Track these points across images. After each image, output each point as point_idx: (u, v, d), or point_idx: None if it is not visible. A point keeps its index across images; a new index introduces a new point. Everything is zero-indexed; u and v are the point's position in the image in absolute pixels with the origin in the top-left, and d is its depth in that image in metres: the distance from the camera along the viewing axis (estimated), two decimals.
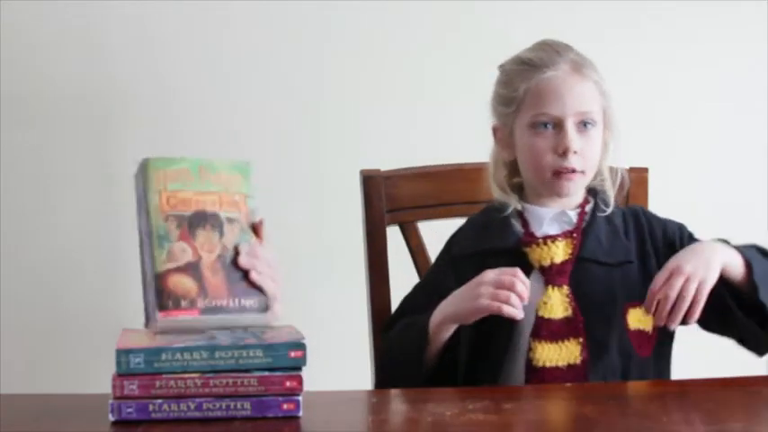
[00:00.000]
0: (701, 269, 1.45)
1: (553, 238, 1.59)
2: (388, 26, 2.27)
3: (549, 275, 1.57)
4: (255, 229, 1.33)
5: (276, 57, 2.26)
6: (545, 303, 1.55)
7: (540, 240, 1.59)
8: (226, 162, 1.35)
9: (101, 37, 2.23)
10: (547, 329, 1.54)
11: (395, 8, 2.26)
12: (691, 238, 1.65)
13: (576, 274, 1.57)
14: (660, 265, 1.54)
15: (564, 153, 1.57)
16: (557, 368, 1.53)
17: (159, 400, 1.19)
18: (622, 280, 1.58)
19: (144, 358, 1.19)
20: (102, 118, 2.25)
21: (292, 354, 1.21)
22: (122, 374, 1.19)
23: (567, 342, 1.54)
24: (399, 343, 1.58)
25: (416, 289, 1.68)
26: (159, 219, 1.29)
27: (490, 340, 1.55)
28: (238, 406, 1.20)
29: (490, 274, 1.49)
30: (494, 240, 1.62)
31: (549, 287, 1.56)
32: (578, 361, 1.53)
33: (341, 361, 1.98)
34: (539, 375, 1.52)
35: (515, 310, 1.46)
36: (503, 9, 2.26)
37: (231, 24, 2.25)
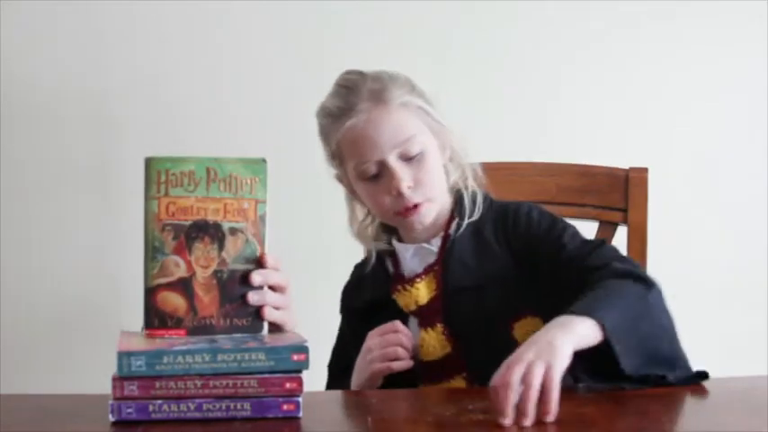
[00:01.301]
0: (545, 353, 1.20)
1: (412, 281, 1.55)
2: (389, 26, 2.27)
3: (421, 318, 1.54)
4: (260, 260, 1.28)
5: (276, 56, 2.26)
6: (421, 347, 1.53)
7: (401, 286, 1.55)
8: (237, 161, 1.28)
9: (101, 37, 2.24)
10: (429, 372, 1.52)
11: (395, 8, 2.26)
12: (555, 243, 1.49)
13: (448, 307, 1.52)
14: (527, 263, 1.48)
15: (398, 193, 1.51)
16: None
17: (159, 401, 1.19)
18: (498, 295, 1.50)
19: (145, 361, 1.18)
20: (102, 118, 2.25)
21: (295, 357, 1.21)
22: (123, 376, 1.19)
23: (452, 380, 1.51)
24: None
25: (336, 340, 1.69)
26: (155, 229, 1.27)
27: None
28: (238, 407, 1.20)
29: (374, 339, 1.49)
30: (369, 293, 1.61)
31: (422, 330, 1.53)
32: None
33: None
34: None
35: (404, 363, 1.46)
36: (503, 9, 2.27)
37: (231, 24, 2.25)
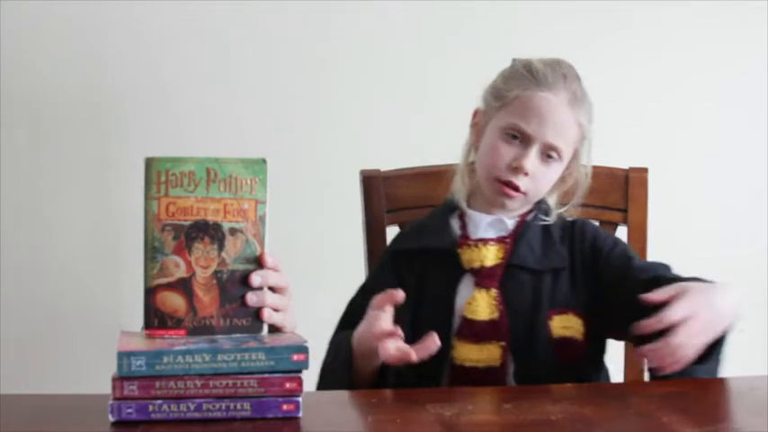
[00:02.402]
0: (710, 330, 1.38)
1: (485, 241, 1.61)
2: (389, 26, 2.27)
3: (479, 277, 1.59)
4: (260, 260, 1.29)
5: (276, 57, 2.26)
6: (470, 304, 1.57)
7: (472, 243, 1.61)
8: (238, 161, 1.28)
9: (101, 36, 2.23)
10: (470, 330, 1.56)
11: (395, 8, 2.26)
12: (625, 250, 1.63)
13: (506, 278, 1.59)
14: (585, 276, 1.59)
15: (516, 170, 1.58)
16: (475, 369, 1.54)
17: (159, 401, 1.19)
18: (552, 287, 1.59)
19: (145, 361, 1.18)
20: (101, 118, 2.25)
21: (295, 357, 1.21)
22: (123, 376, 1.19)
23: (488, 345, 1.55)
24: (330, 366, 1.54)
25: (359, 291, 1.68)
26: (155, 229, 1.27)
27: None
28: (238, 407, 1.20)
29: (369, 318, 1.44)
30: (431, 240, 1.64)
31: (476, 289, 1.58)
32: (498, 364, 1.54)
33: None
34: (457, 374, 1.54)
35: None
36: (503, 10, 2.27)
37: (231, 24, 2.25)
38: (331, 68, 2.27)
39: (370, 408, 1.35)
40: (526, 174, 1.58)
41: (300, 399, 1.21)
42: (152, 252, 1.26)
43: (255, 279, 1.29)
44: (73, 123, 2.24)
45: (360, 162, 1.86)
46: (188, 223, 1.27)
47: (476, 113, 1.68)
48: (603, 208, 1.81)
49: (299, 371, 1.21)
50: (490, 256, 1.60)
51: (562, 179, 1.65)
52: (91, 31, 2.23)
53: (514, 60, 1.66)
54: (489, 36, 2.24)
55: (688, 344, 1.33)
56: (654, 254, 1.79)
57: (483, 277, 1.59)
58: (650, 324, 1.33)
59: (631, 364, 1.80)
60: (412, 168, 1.85)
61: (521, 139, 1.58)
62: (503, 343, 1.55)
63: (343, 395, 1.39)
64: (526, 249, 1.61)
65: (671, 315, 1.32)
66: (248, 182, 1.28)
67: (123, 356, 1.19)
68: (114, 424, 1.19)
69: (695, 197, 2.31)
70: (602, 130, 2.28)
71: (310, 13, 2.25)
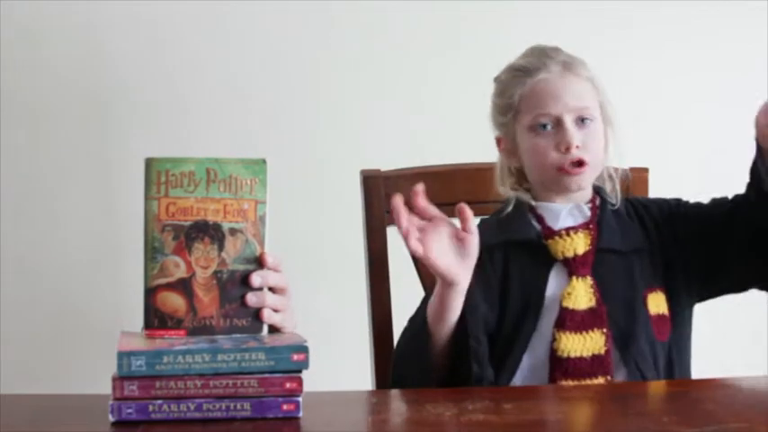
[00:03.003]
0: None
1: (574, 229, 1.61)
2: (389, 26, 2.27)
3: (573, 266, 1.59)
4: (260, 259, 1.29)
5: (276, 56, 2.26)
6: (569, 294, 1.58)
7: (562, 232, 1.61)
8: (238, 161, 1.28)
9: (101, 36, 2.24)
10: (571, 320, 1.56)
11: (395, 8, 2.26)
12: (687, 205, 1.68)
13: (597, 264, 1.60)
14: (666, 245, 1.62)
15: (567, 149, 1.59)
16: (581, 358, 1.54)
17: (159, 401, 1.19)
18: (639, 265, 1.61)
19: (145, 361, 1.19)
20: (101, 118, 2.25)
21: (295, 357, 1.21)
22: (123, 376, 1.19)
23: (591, 332, 1.56)
24: (405, 345, 1.57)
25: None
26: (155, 229, 1.27)
27: (514, 331, 1.56)
28: (238, 407, 1.20)
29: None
30: (516, 233, 1.64)
31: (574, 278, 1.58)
32: (602, 351, 1.55)
33: (341, 361, 1.98)
34: (563, 366, 1.54)
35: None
36: (503, 10, 2.27)
37: (231, 24, 2.25)
38: (331, 68, 2.27)
39: (370, 408, 1.35)
40: (577, 146, 1.59)
41: (300, 399, 1.21)
42: (152, 252, 1.26)
43: (255, 279, 1.29)
44: (73, 123, 2.24)
45: (360, 162, 1.86)
46: (188, 223, 1.27)
47: (499, 141, 1.69)
48: None
49: (300, 371, 1.21)
50: (580, 243, 1.60)
51: (606, 140, 1.65)
52: (91, 31, 2.23)
53: (496, 77, 1.68)
54: (489, 36, 2.24)
55: None
56: None
57: (577, 266, 1.59)
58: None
59: None
60: (412, 168, 1.85)
61: (551, 124, 1.60)
62: (605, 329, 1.56)
63: (343, 395, 1.39)
64: (610, 232, 1.62)
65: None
66: (248, 182, 1.28)
67: (123, 356, 1.19)
68: (114, 424, 1.19)
69: (695, 197, 2.31)
70: None
71: (310, 13, 2.25)
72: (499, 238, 1.63)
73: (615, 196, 1.67)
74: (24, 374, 2.22)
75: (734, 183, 2.33)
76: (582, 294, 1.58)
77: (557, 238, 1.61)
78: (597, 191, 1.68)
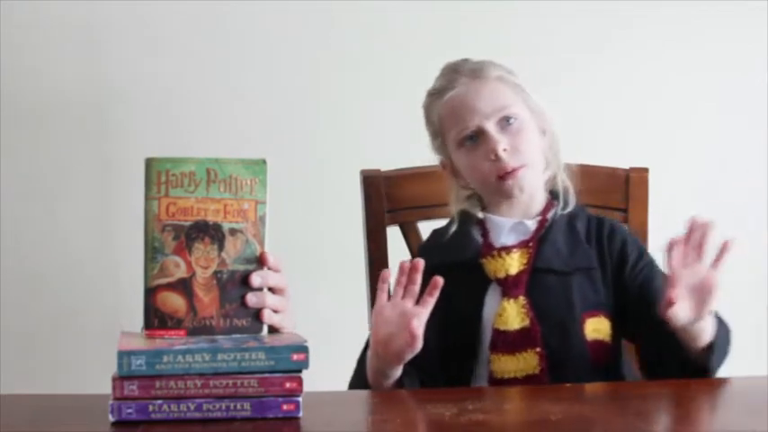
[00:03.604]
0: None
1: (508, 249, 1.59)
2: (389, 26, 2.27)
3: (506, 287, 1.57)
4: (261, 258, 1.29)
5: (276, 56, 2.26)
6: (500, 315, 1.56)
7: (495, 252, 1.59)
8: (238, 161, 1.28)
9: (101, 36, 2.24)
10: (503, 341, 1.54)
11: (395, 8, 2.26)
12: (650, 266, 1.62)
13: (533, 283, 1.57)
14: (611, 278, 1.58)
15: (496, 157, 1.57)
16: (515, 379, 1.53)
17: (159, 401, 1.19)
18: (581, 287, 1.58)
19: (145, 360, 1.18)
20: (101, 118, 2.25)
21: (295, 357, 1.21)
22: (123, 376, 1.19)
23: (524, 353, 1.54)
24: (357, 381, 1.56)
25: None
26: (155, 229, 1.27)
27: (455, 356, 1.55)
28: (238, 407, 1.20)
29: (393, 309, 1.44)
30: (454, 253, 1.63)
31: (504, 299, 1.56)
32: (537, 371, 1.53)
33: (341, 361, 1.97)
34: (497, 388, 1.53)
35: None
36: (503, 9, 2.27)
37: (231, 24, 2.25)
38: (331, 68, 2.27)
39: (370, 408, 1.35)
40: (505, 150, 1.56)
41: (300, 399, 1.21)
42: (152, 252, 1.26)
43: (255, 280, 1.29)
44: (73, 123, 2.24)
45: (360, 162, 1.86)
46: (188, 223, 1.27)
47: (443, 165, 1.69)
48: (604, 208, 1.81)
49: (300, 370, 1.21)
50: (514, 263, 1.58)
51: (542, 133, 1.63)
52: (91, 32, 2.23)
53: (422, 106, 1.69)
54: (489, 36, 2.24)
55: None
56: (654, 254, 1.79)
57: (509, 286, 1.57)
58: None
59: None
60: (412, 168, 1.85)
61: (475, 137, 1.59)
62: (538, 349, 1.53)
63: (343, 395, 1.39)
64: (551, 251, 1.59)
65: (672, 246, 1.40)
66: (248, 182, 1.28)
67: (123, 356, 1.19)
68: (114, 424, 1.19)
69: (695, 197, 2.31)
70: (603, 129, 2.29)
71: (310, 13, 2.25)
72: (437, 259, 1.61)
73: (569, 196, 1.63)
74: (24, 374, 2.22)
75: (732, 182, 2.34)
76: (514, 315, 1.55)
77: (489, 258, 1.59)
78: (556, 196, 1.64)
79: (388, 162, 1.85)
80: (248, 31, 2.25)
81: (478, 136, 1.58)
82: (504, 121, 1.58)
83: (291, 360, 1.21)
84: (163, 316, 1.27)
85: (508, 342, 1.54)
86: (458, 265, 1.59)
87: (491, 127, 1.58)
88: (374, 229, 1.81)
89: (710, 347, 1.44)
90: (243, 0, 2.24)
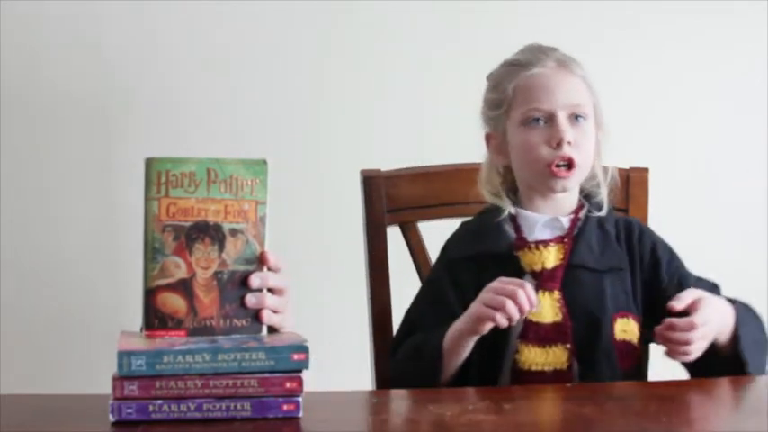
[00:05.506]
0: (712, 334, 1.46)
1: (545, 242, 1.59)
2: (389, 26, 2.27)
3: (541, 280, 1.57)
4: (262, 258, 1.29)
5: (276, 56, 2.26)
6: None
7: (532, 245, 1.59)
8: (238, 162, 1.28)
9: (101, 37, 2.23)
10: (535, 333, 1.54)
11: (396, 8, 2.26)
12: (682, 266, 1.65)
13: (567, 279, 1.58)
14: (642, 280, 1.60)
15: (558, 144, 1.57)
16: (542, 372, 1.53)
17: (159, 401, 1.19)
18: (612, 287, 1.58)
19: (145, 360, 1.19)
20: (101, 118, 2.25)
21: (295, 356, 1.21)
22: (123, 376, 1.19)
23: (554, 347, 1.54)
24: (413, 369, 1.56)
25: (417, 301, 1.67)
26: (155, 230, 1.26)
27: (482, 343, 1.54)
28: (238, 407, 1.20)
29: (493, 283, 1.48)
30: (487, 244, 1.62)
31: (540, 292, 1.56)
32: (564, 367, 1.53)
33: (341, 361, 1.98)
34: (523, 379, 1.53)
35: (503, 320, 1.45)
36: (503, 9, 2.27)
37: (231, 24, 2.25)
38: (331, 69, 2.27)
39: (370, 408, 1.35)
40: (569, 143, 1.57)
41: (301, 399, 1.21)
42: (152, 253, 1.26)
43: (254, 281, 1.29)
44: (74, 123, 2.24)
45: (360, 162, 1.86)
46: (188, 224, 1.27)
47: (488, 138, 1.67)
48: None
49: (300, 370, 1.21)
50: (551, 257, 1.58)
51: (597, 142, 1.64)
52: (92, 32, 2.23)
53: (489, 74, 1.67)
54: (489, 36, 2.24)
55: (698, 340, 1.43)
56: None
57: (545, 279, 1.57)
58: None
59: None
60: (412, 168, 1.85)
61: (543, 119, 1.58)
62: (568, 345, 1.54)
63: (343, 395, 1.39)
64: (585, 248, 1.59)
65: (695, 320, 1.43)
66: (249, 183, 1.28)
67: (123, 356, 1.19)
68: (114, 424, 1.19)
69: (696, 197, 2.31)
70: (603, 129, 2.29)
71: (310, 13, 2.25)
72: (471, 250, 1.62)
73: (603, 202, 1.64)
74: (24, 374, 2.22)
75: (732, 182, 2.34)
76: (548, 308, 1.55)
77: (526, 250, 1.59)
78: (587, 198, 1.65)
79: (388, 162, 1.85)
80: (248, 31, 2.25)
81: (547, 121, 1.58)
82: (575, 118, 1.59)
83: (291, 360, 1.21)
84: (163, 317, 1.27)
85: (540, 334, 1.54)
86: (492, 257, 1.60)
87: (562, 116, 1.58)
88: (374, 229, 1.81)
89: (736, 338, 1.47)
90: (243, 0, 2.24)
